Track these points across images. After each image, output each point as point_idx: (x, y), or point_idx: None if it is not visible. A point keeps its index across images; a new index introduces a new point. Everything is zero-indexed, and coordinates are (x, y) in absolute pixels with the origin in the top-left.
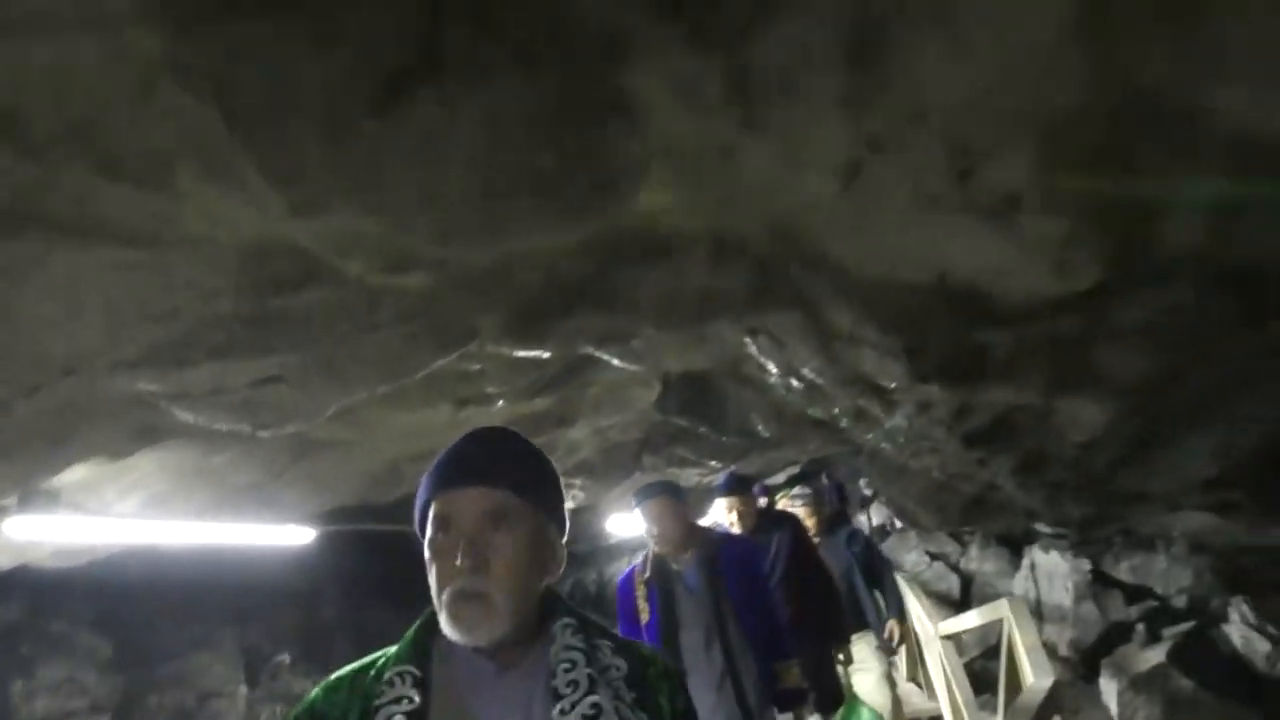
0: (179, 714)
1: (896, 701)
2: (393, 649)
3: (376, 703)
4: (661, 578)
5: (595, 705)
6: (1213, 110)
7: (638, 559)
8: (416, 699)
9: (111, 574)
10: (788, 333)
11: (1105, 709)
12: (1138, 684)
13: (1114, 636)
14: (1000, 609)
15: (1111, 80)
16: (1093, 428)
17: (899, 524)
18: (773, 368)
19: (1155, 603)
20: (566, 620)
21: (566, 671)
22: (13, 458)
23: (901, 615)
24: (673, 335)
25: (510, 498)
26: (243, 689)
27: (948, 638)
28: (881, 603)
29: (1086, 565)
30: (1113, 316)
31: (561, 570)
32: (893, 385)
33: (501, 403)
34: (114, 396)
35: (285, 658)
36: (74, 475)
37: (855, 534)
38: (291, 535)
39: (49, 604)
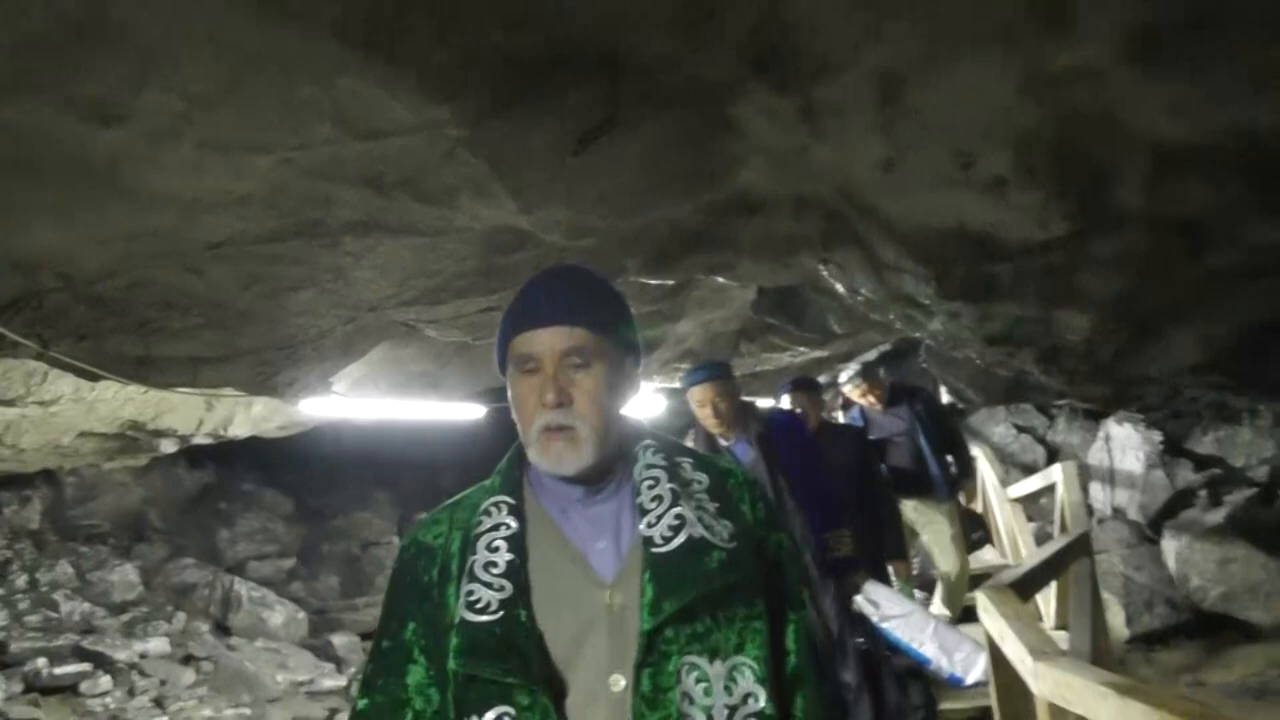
0: (347, 559)
1: (965, 561)
2: (485, 483)
3: (476, 530)
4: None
5: (679, 516)
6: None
7: (687, 440)
8: (514, 525)
9: (290, 445)
10: (850, 263)
11: (1165, 566)
12: (1195, 543)
13: (1179, 502)
14: (1053, 474)
15: (1055, 110)
16: (1083, 329)
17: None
18: (840, 287)
19: (1220, 472)
20: (647, 442)
21: (650, 488)
22: (325, 361)
23: (968, 474)
24: (765, 265)
25: (587, 334)
26: (395, 539)
27: (1015, 500)
28: (952, 465)
29: (1157, 437)
30: (1087, 252)
31: (635, 394)
32: (927, 302)
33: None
34: (389, 322)
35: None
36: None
37: (917, 392)
38: (462, 411)
39: (237, 468)
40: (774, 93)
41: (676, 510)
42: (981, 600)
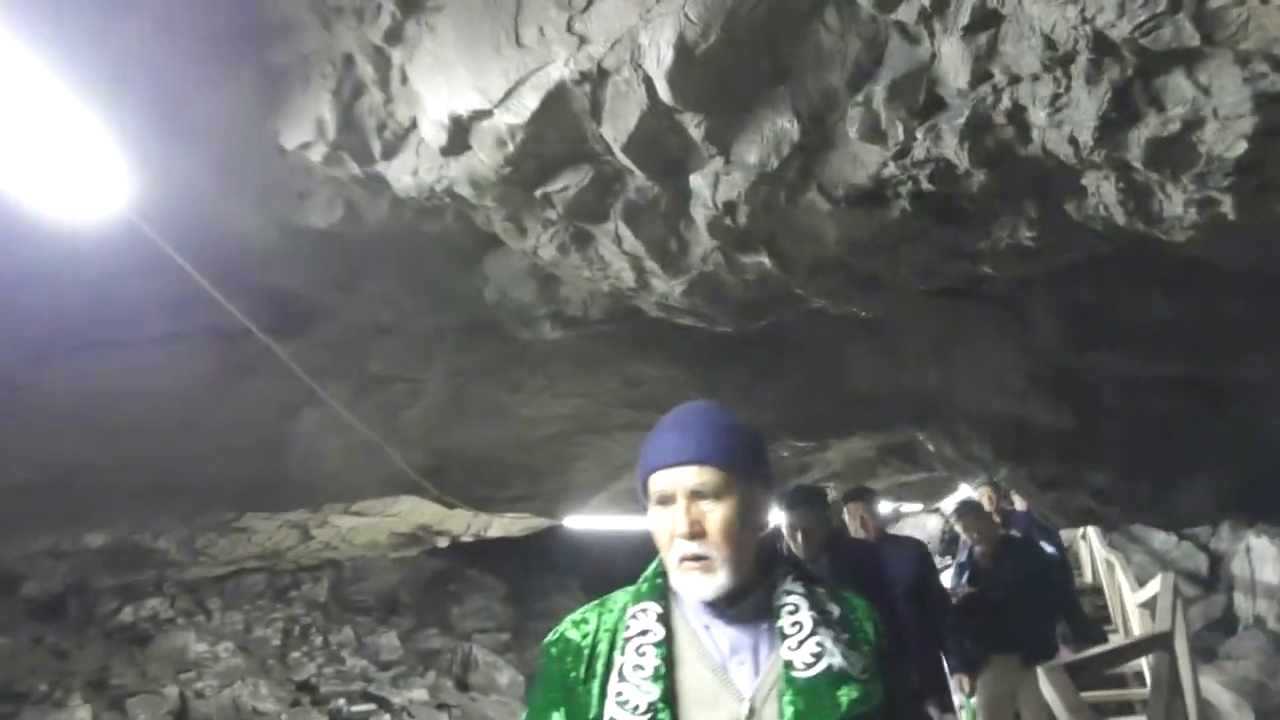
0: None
1: None
2: (627, 589)
3: (625, 634)
4: None
5: (820, 645)
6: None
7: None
8: (662, 632)
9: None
10: (937, 434)
11: None
12: None
13: None
14: (1157, 583)
15: (1052, 356)
16: (1103, 482)
17: None
18: (931, 448)
19: None
20: (785, 569)
21: (790, 614)
22: (587, 496)
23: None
24: (877, 435)
25: (716, 472)
26: None
27: (1142, 605)
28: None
29: None
30: (1088, 434)
31: (770, 524)
32: (988, 459)
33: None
34: (627, 471)
35: None
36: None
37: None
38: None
39: (463, 558)
40: (884, 351)
41: (818, 639)
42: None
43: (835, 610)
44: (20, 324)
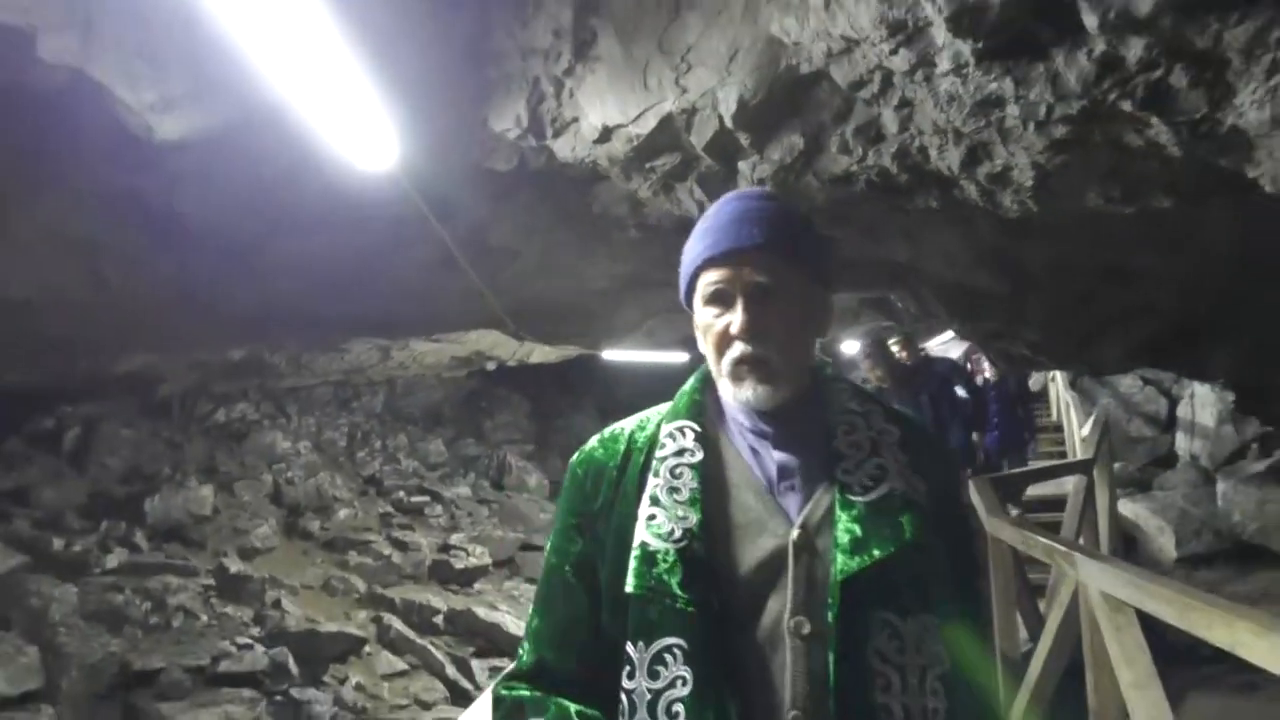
0: (565, 448)
1: None
2: (661, 407)
3: (659, 453)
4: None
5: (880, 467)
6: None
7: None
8: (700, 454)
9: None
10: (904, 296)
11: (1217, 504)
12: (1239, 485)
13: (1240, 453)
14: (1097, 419)
15: (993, 252)
16: (1034, 338)
17: None
18: (899, 304)
19: (1273, 429)
20: (840, 384)
21: (847, 434)
22: (627, 333)
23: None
24: (859, 291)
25: (780, 261)
26: None
27: (1083, 439)
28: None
29: (1230, 396)
30: (1024, 300)
31: (830, 327)
32: (944, 317)
33: None
34: (662, 314)
35: None
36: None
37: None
38: (668, 356)
39: (492, 380)
40: None
41: (878, 461)
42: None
43: (896, 431)
44: (275, 208)
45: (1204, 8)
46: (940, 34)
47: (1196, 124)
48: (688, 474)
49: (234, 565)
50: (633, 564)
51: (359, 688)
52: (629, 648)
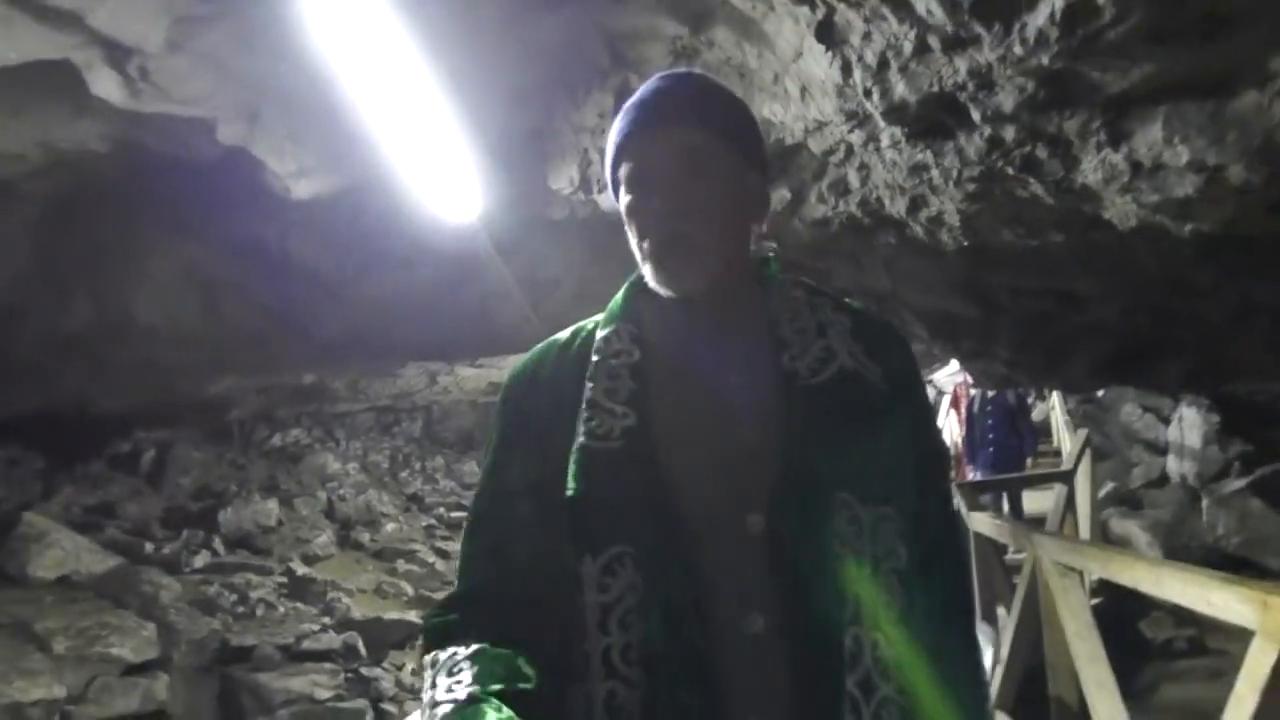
0: None
1: None
2: (598, 315)
3: (595, 358)
4: None
5: (827, 349)
6: None
7: None
8: (636, 354)
9: None
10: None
11: (1202, 522)
12: (1222, 501)
13: (1224, 471)
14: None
15: (972, 271)
16: (1006, 356)
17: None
18: None
19: (1253, 449)
20: (784, 277)
21: (791, 320)
22: None
23: None
24: None
25: (708, 137)
26: None
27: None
28: None
29: (1215, 418)
30: (994, 322)
31: (766, 219)
32: (927, 339)
33: None
34: None
35: None
36: None
37: None
38: None
39: None
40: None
41: (824, 343)
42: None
43: (846, 321)
44: (367, 251)
45: (1047, 107)
46: (880, 121)
47: (1059, 183)
48: (625, 375)
49: (299, 569)
50: (572, 469)
51: (415, 672)
52: (576, 565)
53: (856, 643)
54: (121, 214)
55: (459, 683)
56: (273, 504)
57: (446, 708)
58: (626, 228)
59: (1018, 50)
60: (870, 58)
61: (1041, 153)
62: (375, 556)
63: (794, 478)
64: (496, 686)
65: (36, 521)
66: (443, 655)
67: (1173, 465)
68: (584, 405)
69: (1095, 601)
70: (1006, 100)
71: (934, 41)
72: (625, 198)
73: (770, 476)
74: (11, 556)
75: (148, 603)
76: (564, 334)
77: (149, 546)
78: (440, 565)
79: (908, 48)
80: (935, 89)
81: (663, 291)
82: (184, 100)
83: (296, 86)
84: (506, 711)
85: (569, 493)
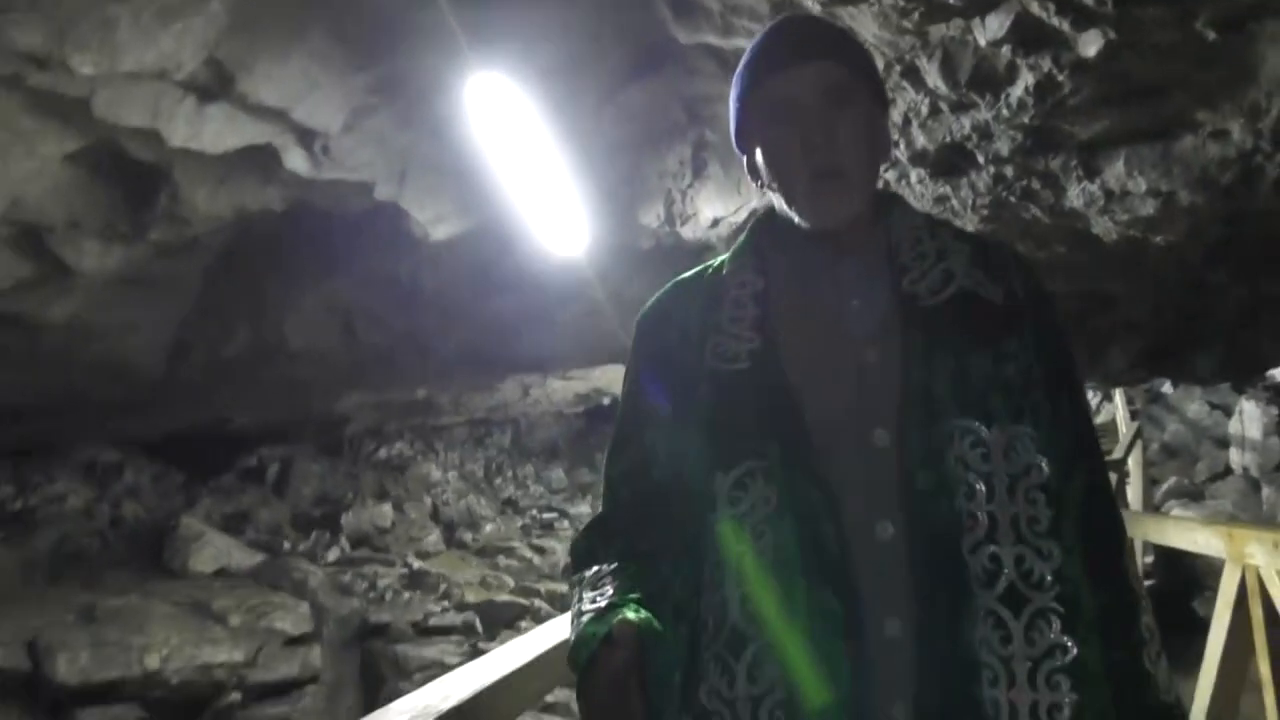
0: None
1: None
2: (724, 255)
3: (720, 291)
4: None
5: (946, 272)
6: None
7: None
8: (760, 283)
9: None
10: None
11: (1263, 510)
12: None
13: None
14: (1133, 428)
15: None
16: None
17: None
18: None
19: None
20: (904, 205)
21: (912, 246)
22: None
23: None
24: None
25: (849, 72)
26: None
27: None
28: None
29: (1275, 410)
30: None
31: (891, 152)
32: None
33: None
34: None
35: None
36: None
37: None
38: None
39: (598, 419)
40: None
41: (944, 266)
42: None
43: (965, 247)
44: (484, 279)
45: (1035, 151)
46: (907, 164)
47: (1053, 207)
48: (749, 302)
49: (415, 564)
50: (702, 391)
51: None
52: (709, 482)
53: (995, 561)
54: (280, 257)
55: (601, 594)
56: (386, 508)
57: (590, 614)
58: (765, 168)
59: (1005, 112)
60: (896, 117)
61: (1036, 185)
62: (478, 554)
63: (915, 396)
64: (635, 595)
65: (192, 524)
66: (588, 574)
67: (1234, 457)
68: (712, 332)
69: (1150, 583)
70: (1003, 147)
71: (943, 105)
72: (769, 133)
73: (893, 394)
74: (175, 555)
75: (298, 587)
76: (690, 273)
77: (285, 544)
78: (537, 560)
79: (924, 110)
80: (948, 139)
81: (808, 225)
82: (352, 168)
83: (438, 150)
84: (644, 612)
85: (700, 414)
